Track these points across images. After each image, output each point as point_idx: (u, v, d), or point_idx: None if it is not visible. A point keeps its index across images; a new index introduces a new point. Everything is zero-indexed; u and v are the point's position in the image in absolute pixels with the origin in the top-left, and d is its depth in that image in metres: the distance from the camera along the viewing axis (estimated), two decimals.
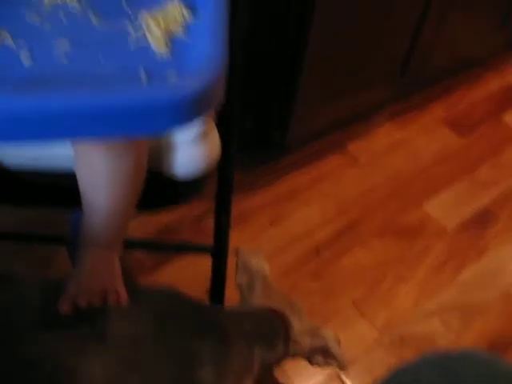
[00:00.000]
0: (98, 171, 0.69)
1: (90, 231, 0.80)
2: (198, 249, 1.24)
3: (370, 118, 1.79)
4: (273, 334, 1.00)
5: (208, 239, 1.18)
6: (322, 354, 1.09)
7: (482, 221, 1.67)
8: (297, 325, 1.06)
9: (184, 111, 0.53)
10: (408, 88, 1.80)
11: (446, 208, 1.68)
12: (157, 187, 0.80)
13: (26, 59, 0.57)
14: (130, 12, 0.63)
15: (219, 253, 1.14)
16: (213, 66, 0.54)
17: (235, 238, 1.17)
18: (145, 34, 0.61)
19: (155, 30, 0.61)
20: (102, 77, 0.55)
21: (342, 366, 1.09)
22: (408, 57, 1.68)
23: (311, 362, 1.10)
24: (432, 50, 1.71)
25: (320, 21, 1.29)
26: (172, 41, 0.61)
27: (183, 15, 0.63)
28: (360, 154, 1.74)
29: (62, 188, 0.85)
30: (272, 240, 1.49)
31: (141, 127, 0.54)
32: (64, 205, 0.91)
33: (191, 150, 0.76)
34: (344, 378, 1.27)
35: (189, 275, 1.33)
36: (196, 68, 0.54)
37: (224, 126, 0.86)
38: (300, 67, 1.37)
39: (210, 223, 1.15)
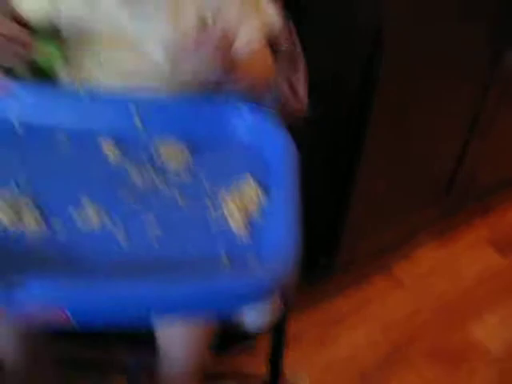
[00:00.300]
0: (179, 330, 0.75)
1: (166, 377, 0.85)
2: (251, 376, 1.28)
3: (414, 239, 1.83)
4: None
5: (259, 363, 1.22)
6: None
7: None
8: None
9: (262, 294, 0.59)
10: (452, 207, 1.84)
11: (490, 330, 1.68)
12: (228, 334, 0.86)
13: (122, 240, 0.64)
14: (210, 192, 0.70)
15: (273, 381, 1.17)
16: (289, 253, 0.61)
17: None
18: (224, 214, 0.68)
19: (234, 211, 0.68)
20: (189, 261, 0.62)
21: None
22: (453, 177, 1.73)
23: None
24: (477, 170, 1.76)
25: (368, 152, 1.36)
26: (249, 221, 0.68)
27: (258, 195, 0.70)
28: (405, 276, 1.77)
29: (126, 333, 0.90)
30: (317, 364, 1.51)
31: (219, 307, 0.60)
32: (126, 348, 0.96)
33: (259, 309, 0.81)
34: None
35: None
36: (273, 254, 0.61)
37: None
38: (349, 197, 1.43)
39: (262, 347, 1.19)
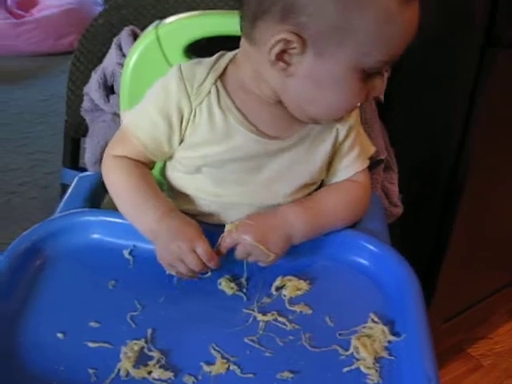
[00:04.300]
0: None
1: None
2: None
3: (489, 319, 1.79)
4: None
5: None
6: None
7: None
8: None
9: None
10: None
11: None
12: None
13: None
14: (339, 337, 0.68)
15: None
16: None
17: None
18: (354, 357, 0.66)
19: (364, 355, 0.66)
20: None
21: None
22: None
23: None
24: None
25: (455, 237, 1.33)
26: (380, 364, 0.65)
27: (386, 335, 0.68)
28: (482, 358, 1.72)
29: None
30: None
31: None
32: None
33: None
34: None
35: None
36: None
37: None
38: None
39: None
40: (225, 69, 0.76)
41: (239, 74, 0.75)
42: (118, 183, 0.79)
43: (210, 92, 0.75)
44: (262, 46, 0.68)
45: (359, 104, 0.73)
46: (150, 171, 0.81)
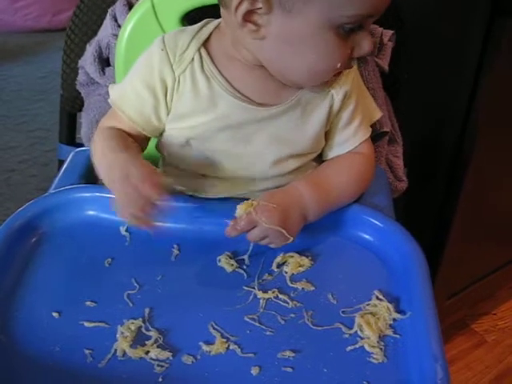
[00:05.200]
0: None
1: None
2: None
3: (493, 295, 1.78)
4: None
5: None
6: None
7: None
8: None
9: None
10: None
11: None
12: None
13: (254, 370, 0.61)
14: (342, 315, 0.66)
15: None
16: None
17: None
18: (358, 335, 0.64)
19: (368, 333, 0.64)
20: None
21: None
22: None
23: None
24: None
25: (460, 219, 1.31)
26: (385, 343, 0.63)
27: (390, 312, 0.66)
28: (486, 333, 1.71)
29: None
30: None
31: None
32: None
33: None
34: None
35: None
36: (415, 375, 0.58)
37: None
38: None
39: None
40: (209, 36, 0.73)
41: (223, 40, 0.72)
42: (97, 150, 0.74)
43: (193, 59, 0.72)
44: (231, 7, 0.65)
45: (343, 65, 0.68)
46: (136, 143, 0.76)
